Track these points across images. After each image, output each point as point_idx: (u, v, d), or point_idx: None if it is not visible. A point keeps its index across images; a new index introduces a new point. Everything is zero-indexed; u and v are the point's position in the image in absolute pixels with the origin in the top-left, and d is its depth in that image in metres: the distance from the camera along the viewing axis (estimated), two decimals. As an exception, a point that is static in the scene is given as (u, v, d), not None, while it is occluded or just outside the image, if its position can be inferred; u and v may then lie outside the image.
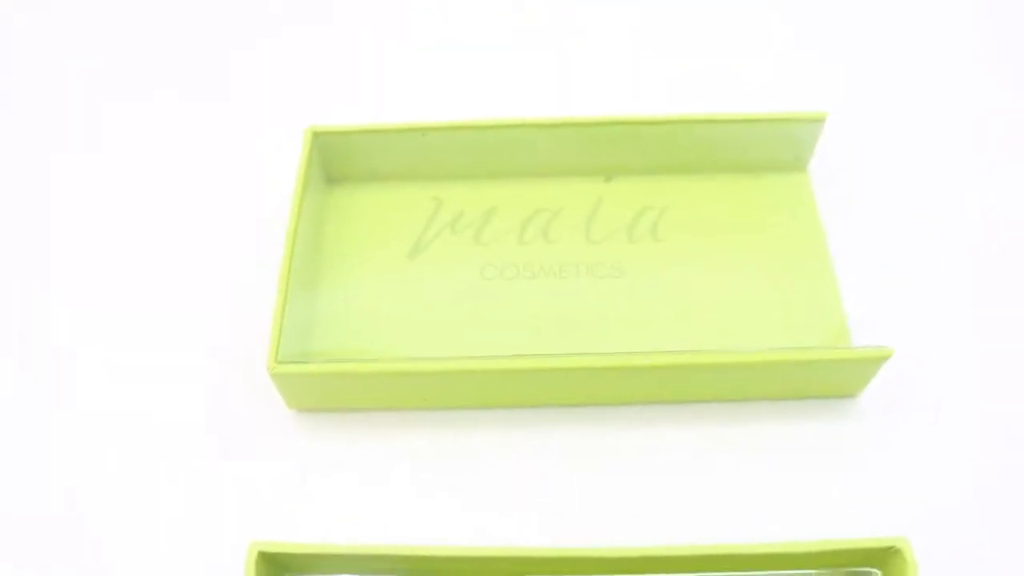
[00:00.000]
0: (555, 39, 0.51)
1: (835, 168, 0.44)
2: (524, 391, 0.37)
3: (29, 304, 0.42)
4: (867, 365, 0.36)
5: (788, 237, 0.41)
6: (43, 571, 0.35)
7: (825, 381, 0.37)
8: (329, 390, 0.37)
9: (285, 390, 0.37)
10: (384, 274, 0.41)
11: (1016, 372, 0.39)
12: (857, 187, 0.44)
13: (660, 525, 0.35)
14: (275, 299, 0.36)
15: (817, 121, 0.41)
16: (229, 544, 0.33)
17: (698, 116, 0.41)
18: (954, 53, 0.50)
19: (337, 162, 0.42)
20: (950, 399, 0.38)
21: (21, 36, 0.53)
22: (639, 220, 0.41)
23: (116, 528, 0.36)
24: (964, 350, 0.39)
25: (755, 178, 0.43)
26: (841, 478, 0.36)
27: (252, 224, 0.43)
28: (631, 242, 0.41)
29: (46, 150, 0.48)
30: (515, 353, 0.36)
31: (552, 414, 0.38)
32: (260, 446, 0.38)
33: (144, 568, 0.35)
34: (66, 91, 0.50)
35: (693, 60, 0.50)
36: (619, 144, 0.41)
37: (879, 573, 0.32)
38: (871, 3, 0.53)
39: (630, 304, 0.39)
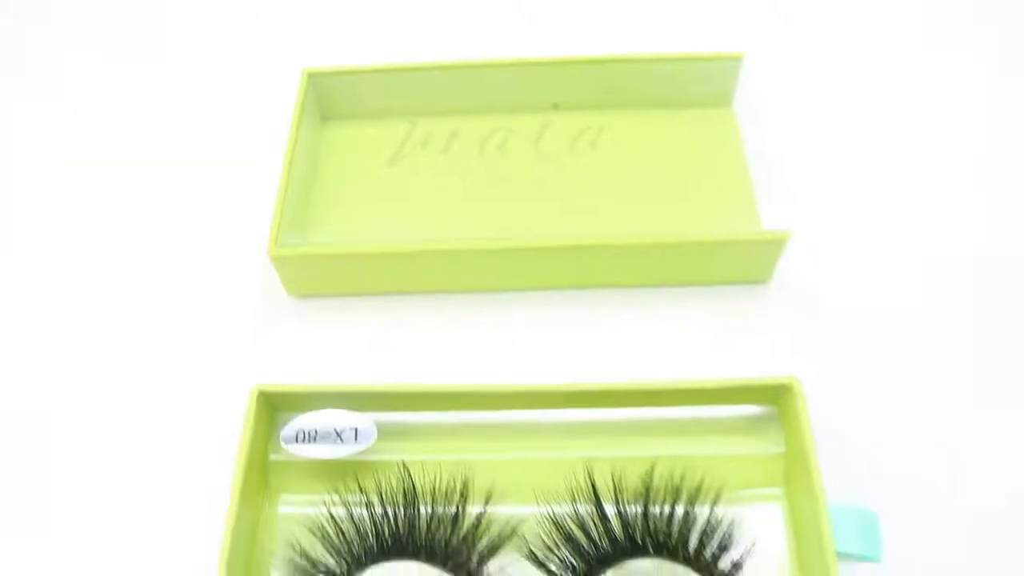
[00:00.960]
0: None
1: (756, 103, 0.52)
2: (487, 272, 0.44)
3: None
4: (771, 247, 0.43)
5: (711, 154, 0.48)
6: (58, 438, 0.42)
7: (737, 266, 0.44)
8: (324, 274, 0.44)
9: (284, 275, 0.44)
10: (368, 178, 0.48)
11: (901, 261, 0.46)
12: (775, 118, 0.52)
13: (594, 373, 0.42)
14: (275, 196, 0.43)
15: (734, 60, 0.48)
16: (232, 392, 0.40)
17: (629, 55, 0.48)
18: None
19: (328, 100, 0.50)
20: (846, 283, 0.45)
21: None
22: (580, 137, 0.49)
23: (126, 378, 0.43)
24: (859, 241, 0.47)
25: (684, 111, 0.50)
26: (752, 344, 0.44)
27: (255, 151, 0.51)
28: (573, 153, 0.48)
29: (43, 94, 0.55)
30: (477, 238, 0.43)
31: (509, 297, 0.45)
32: (261, 327, 0.45)
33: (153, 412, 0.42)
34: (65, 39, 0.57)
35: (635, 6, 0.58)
36: (564, 80, 0.48)
37: (776, 410, 0.39)
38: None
39: (572, 198, 0.47)
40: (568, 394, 0.38)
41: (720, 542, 0.36)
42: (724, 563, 0.36)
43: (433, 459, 0.38)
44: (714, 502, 0.37)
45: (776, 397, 0.39)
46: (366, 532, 0.36)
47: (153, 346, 0.44)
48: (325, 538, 0.36)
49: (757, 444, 0.39)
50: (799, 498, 0.37)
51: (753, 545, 0.36)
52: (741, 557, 0.36)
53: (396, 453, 0.38)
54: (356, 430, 0.39)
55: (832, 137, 0.51)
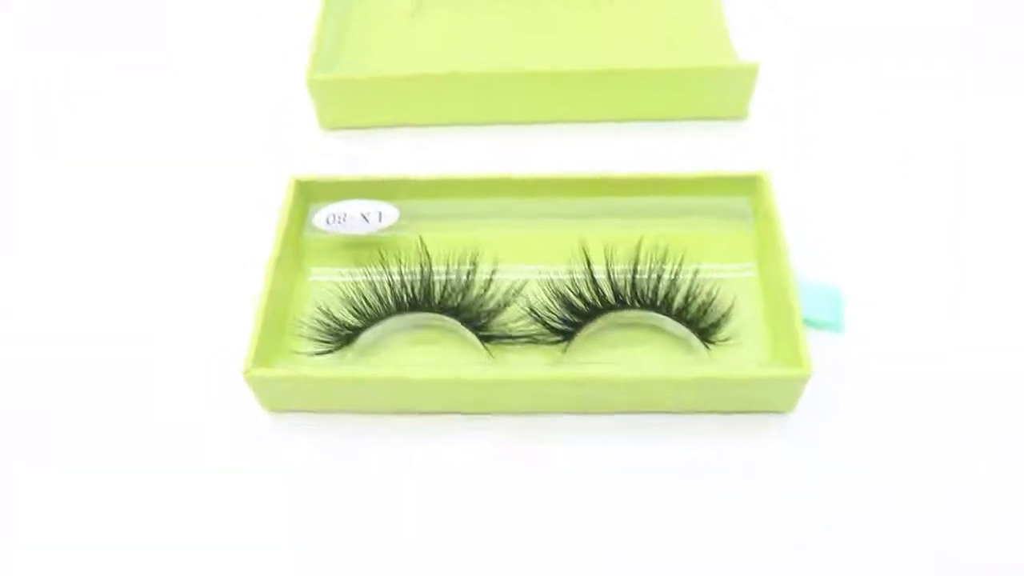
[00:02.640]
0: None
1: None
2: (498, 101, 0.49)
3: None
4: (743, 77, 0.48)
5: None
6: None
7: (714, 101, 0.49)
8: (356, 103, 0.49)
9: (320, 104, 0.49)
10: (393, 22, 0.54)
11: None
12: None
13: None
14: (314, 27, 0.49)
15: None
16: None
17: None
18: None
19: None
20: (819, 113, 0.50)
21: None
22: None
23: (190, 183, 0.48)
24: (831, 73, 0.52)
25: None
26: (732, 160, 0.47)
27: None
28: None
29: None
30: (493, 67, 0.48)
31: (518, 129, 0.50)
32: (295, 156, 0.50)
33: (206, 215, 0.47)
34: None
35: None
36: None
37: (749, 200, 0.44)
38: None
39: (575, 41, 0.52)
40: (564, 181, 0.43)
41: (703, 301, 0.40)
42: (708, 319, 0.40)
43: (448, 236, 0.43)
44: (696, 270, 0.41)
45: (750, 188, 0.43)
46: (386, 294, 0.41)
47: (206, 164, 0.50)
48: (348, 300, 0.41)
49: (733, 226, 0.43)
50: (769, 271, 0.41)
51: (732, 306, 0.41)
52: (725, 312, 0.40)
53: (415, 232, 0.43)
54: (380, 213, 0.43)
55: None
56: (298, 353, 0.40)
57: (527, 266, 0.42)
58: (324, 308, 0.41)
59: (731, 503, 0.37)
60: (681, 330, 0.40)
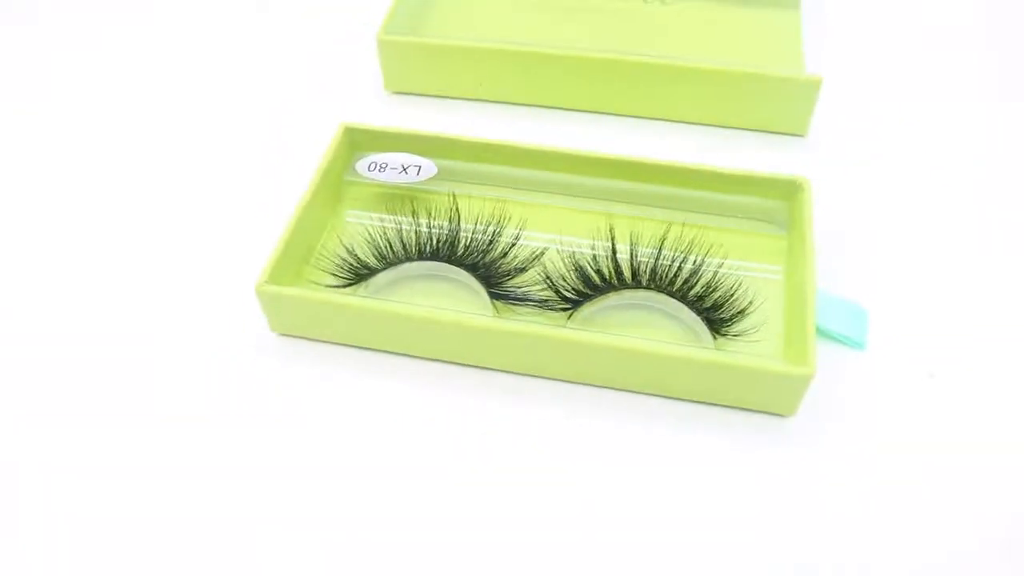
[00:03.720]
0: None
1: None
2: (555, 85, 0.49)
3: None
4: (804, 90, 0.46)
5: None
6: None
7: (773, 113, 0.48)
8: (422, 69, 0.50)
9: (387, 66, 0.50)
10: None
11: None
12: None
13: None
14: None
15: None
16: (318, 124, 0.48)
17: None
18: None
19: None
20: (881, 139, 0.49)
21: None
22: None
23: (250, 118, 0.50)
24: (897, 99, 0.51)
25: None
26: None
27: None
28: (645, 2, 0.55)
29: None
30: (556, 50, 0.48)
31: (573, 116, 0.51)
32: (357, 116, 0.51)
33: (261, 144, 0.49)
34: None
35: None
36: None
37: (785, 205, 0.42)
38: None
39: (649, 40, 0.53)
40: (598, 160, 0.43)
41: (722, 294, 0.39)
42: (724, 311, 0.39)
43: (481, 198, 0.44)
44: (720, 264, 0.40)
45: (788, 192, 0.42)
46: (410, 242, 0.41)
47: (271, 110, 0.52)
48: (373, 243, 0.42)
49: (768, 229, 0.42)
50: (794, 276, 0.39)
51: (751, 303, 0.40)
52: (743, 308, 0.39)
53: (451, 190, 0.44)
54: (420, 167, 0.44)
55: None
56: (315, 283, 0.41)
57: (553, 235, 0.42)
58: (349, 247, 0.42)
59: (715, 498, 0.35)
60: (693, 319, 0.39)
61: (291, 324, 0.40)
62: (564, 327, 0.38)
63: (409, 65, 0.50)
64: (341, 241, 0.43)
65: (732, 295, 0.39)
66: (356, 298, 0.39)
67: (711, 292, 0.39)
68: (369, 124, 0.45)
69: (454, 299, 0.41)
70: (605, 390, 0.38)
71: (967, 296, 0.42)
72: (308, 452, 0.37)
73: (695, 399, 0.38)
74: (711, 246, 0.41)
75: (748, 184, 0.42)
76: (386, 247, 0.41)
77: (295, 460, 0.37)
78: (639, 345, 0.36)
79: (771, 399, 0.37)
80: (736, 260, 0.41)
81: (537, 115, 0.51)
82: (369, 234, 0.43)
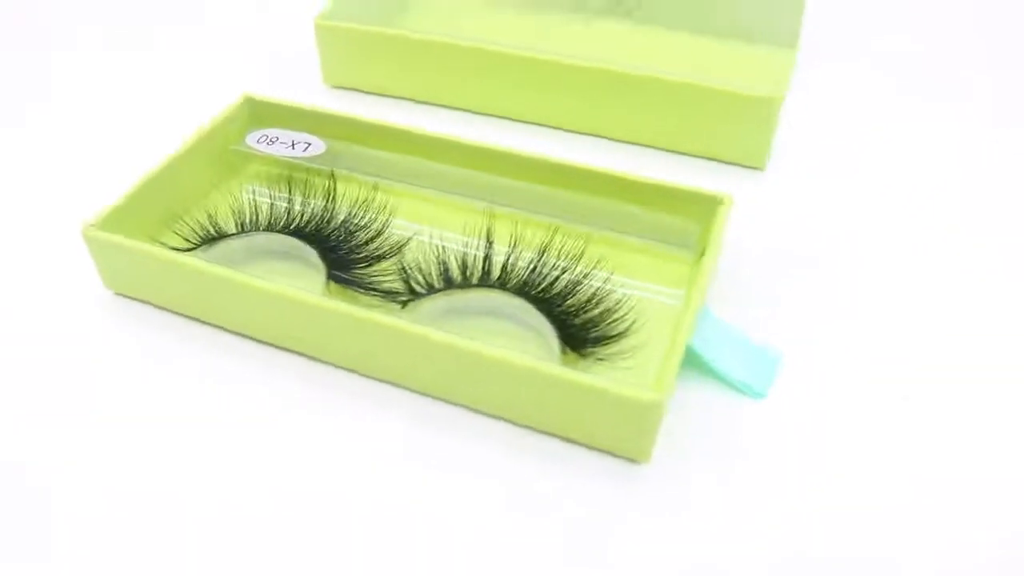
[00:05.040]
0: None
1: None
2: (509, 92, 0.45)
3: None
4: (761, 111, 0.40)
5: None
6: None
7: (729, 138, 0.41)
8: (360, 59, 0.46)
9: (325, 55, 0.47)
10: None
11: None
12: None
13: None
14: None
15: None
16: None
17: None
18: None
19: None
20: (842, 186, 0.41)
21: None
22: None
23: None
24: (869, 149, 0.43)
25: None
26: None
27: None
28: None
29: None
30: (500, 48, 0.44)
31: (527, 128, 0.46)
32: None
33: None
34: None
35: None
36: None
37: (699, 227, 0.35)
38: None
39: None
40: (497, 155, 0.37)
41: (599, 312, 0.33)
42: (593, 331, 0.32)
43: (373, 182, 0.39)
44: (606, 279, 0.34)
45: (707, 211, 0.35)
46: (276, 216, 0.37)
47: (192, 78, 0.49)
48: (237, 212, 0.37)
49: (678, 249, 0.35)
50: (689, 302, 0.32)
51: (631, 325, 0.33)
52: (623, 330, 0.32)
53: (349, 172, 0.39)
54: (308, 144, 0.40)
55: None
56: (162, 244, 0.36)
57: (433, 229, 0.37)
58: (212, 214, 0.38)
59: (518, 546, 0.28)
60: (550, 332, 0.32)
61: (124, 282, 0.36)
62: (389, 316, 0.32)
63: (350, 56, 0.47)
64: (207, 210, 0.38)
65: (610, 315, 0.33)
66: (175, 253, 0.34)
67: (585, 309, 0.33)
68: (267, 97, 0.41)
69: (297, 280, 0.35)
70: (439, 403, 0.32)
71: (901, 351, 0.34)
72: (120, 422, 0.32)
73: (537, 427, 0.31)
74: (602, 260, 0.35)
75: (661, 196, 0.36)
76: (249, 218, 0.37)
77: (107, 429, 0.32)
78: (453, 340, 0.29)
79: (620, 436, 0.29)
80: (635, 280, 0.35)
81: (481, 125, 0.46)
82: (237, 204, 0.39)
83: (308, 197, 0.38)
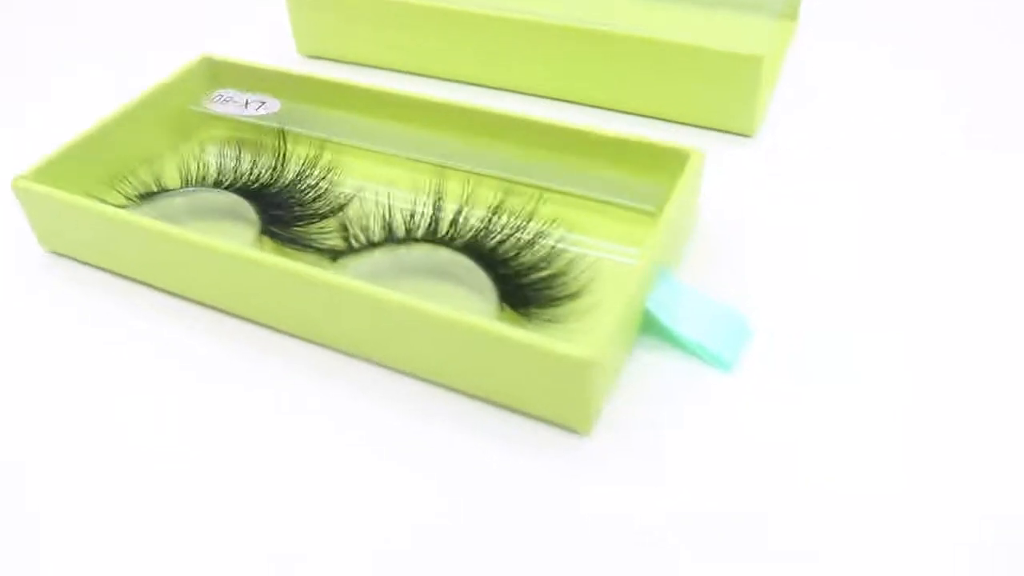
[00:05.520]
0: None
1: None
2: (485, 58, 0.42)
3: None
4: (744, 70, 0.36)
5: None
6: None
7: (714, 102, 0.38)
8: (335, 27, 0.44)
9: (296, 21, 0.44)
10: None
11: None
12: None
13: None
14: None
15: None
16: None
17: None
18: None
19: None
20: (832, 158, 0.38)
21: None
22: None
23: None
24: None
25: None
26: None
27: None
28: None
29: None
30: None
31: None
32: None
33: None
34: None
35: None
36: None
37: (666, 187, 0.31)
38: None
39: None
40: (471, 113, 0.35)
41: (551, 273, 0.30)
42: (540, 292, 0.29)
43: (334, 141, 0.36)
44: (560, 239, 0.31)
45: (674, 167, 0.31)
46: (221, 173, 0.35)
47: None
48: (183, 168, 0.35)
49: (641, 207, 0.32)
50: (645, 261, 0.28)
51: (584, 286, 0.30)
52: (574, 292, 0.29)
53: (303, 132, 0.37)
54: (263, 103, 0.38)
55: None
56: (103, 201, 0.34)
57: (385, 188, 0.34)
58: (157, 172, 0.36)
59: (448, 522, 0.24)
60: (491, 290, 0.29)
61: (59, 239, 0.34)
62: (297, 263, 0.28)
63: (323, 24, 0.44)
64: (154, 170, 0.36)
65: (562, 276, 0.30)
66: (101, 204, 0.32)
67: (536, 269, 0.30)
68: (227, 57, 0.39)
69: (235, 238, 0.32)
70: (375, 367, 0.29)
71: (881, 332, 0.30)
72: (51, 385, 0.29)
73: (474, 393, 0.27)
74: (562, 220, 0.31)
75: (627, 152, 0.32)
76: (198, 176, 0.35)
77: (38, 393, 0.29)
78: (361, 287, 0.26)
79: (556, 403, 0.26)
80: (596, 240, 0.32)
81: (462, 94, 0.43)
82: (186, 163, 0.36)
83: (260, 157, 0.36)
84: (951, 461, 0.25)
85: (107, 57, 0.48)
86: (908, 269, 0.32)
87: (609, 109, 0.41)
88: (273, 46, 0.47)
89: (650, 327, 0.29)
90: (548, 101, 0.42)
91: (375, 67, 0.45)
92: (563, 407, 0.26)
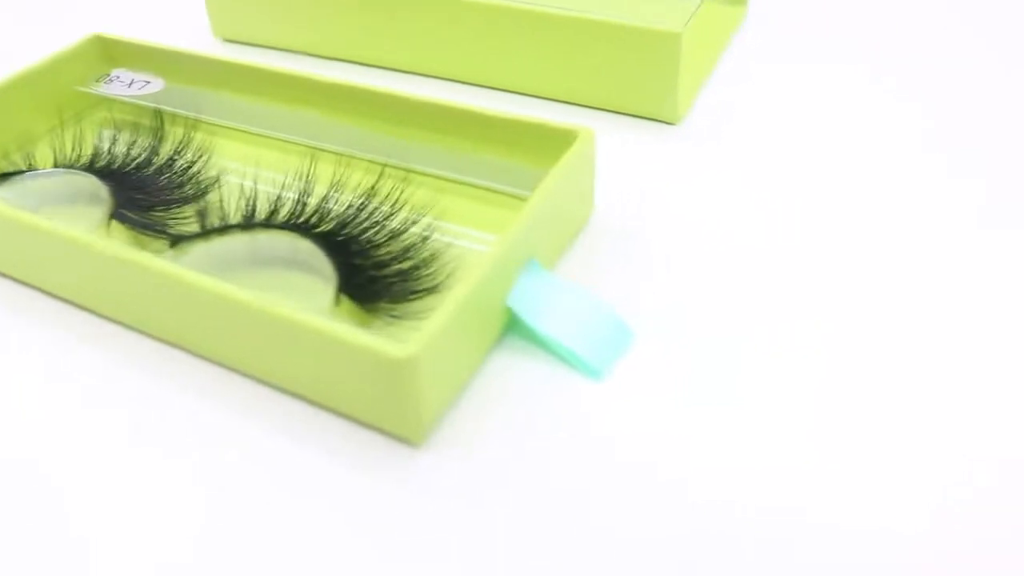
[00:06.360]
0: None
1: None
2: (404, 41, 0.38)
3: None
4: (662, 47, 0.32)
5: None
6: None
7: (634, 85, 0.34)
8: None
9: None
10: None
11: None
12: None
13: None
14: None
15: None
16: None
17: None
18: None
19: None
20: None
21: None
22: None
23: None
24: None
25: None
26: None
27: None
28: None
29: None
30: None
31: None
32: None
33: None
34: None
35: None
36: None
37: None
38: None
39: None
40: (346, 90, 0.32)
41: (409, 267, 0.26)
42: (399, 287, 0.26)
43: (198, 119, 0.34)
44: (428, 228, 0.27)
45: (561, 149, 0.28)
46: (95, 154, 0.32)
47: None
48: (56, 149, 0.32)
49: (520, 194, 0.29)
50: (503, 250, 0.24)
51: (441, 282, 0.26)
52: (433, 286, 0.26)
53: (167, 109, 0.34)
54: (147, 83, 0.35)
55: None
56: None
57: (253, 170, 0.31)
58: (30, 152, 0.33)
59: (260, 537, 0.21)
60: (333, 280, 0.25)
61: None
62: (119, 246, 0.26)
63: (237, 6, 0.41)
64: (28, 150, 0.33)
65: (419, 268, 0.26)
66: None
67: (395, 260, 0.26)
68: (123, 36, 0.37)
69: (84, 222, 0.29)
70: (207, 364, 0.25)
71: (782, 349, 0.26)
72: None
73: (305, 395, 0.24)
74: (433, 206, 0.28)
75: (513, 132, 0.29)
76: (71, 157, 0.32)
77: None
78: (182, 277, 0.23)
79: (385, 411, 0.22)
80: (468, 229, 0.28)
81: (379, 79, 0.39)
82: (60, 144, 0.33)
83: (137, 139, 0.33)
84: (834, 494, 0.22)
85: (9, 36, 0.46)
86: (818, 283, 0.28)
87: (526, 94, 0.37)
88: (188, 29, 0.44)
89: (516, 326, 0.26)
90: (463, 86, 0.38)
91: (293, 51, 0.42)
92: (391, 414, 0.22)
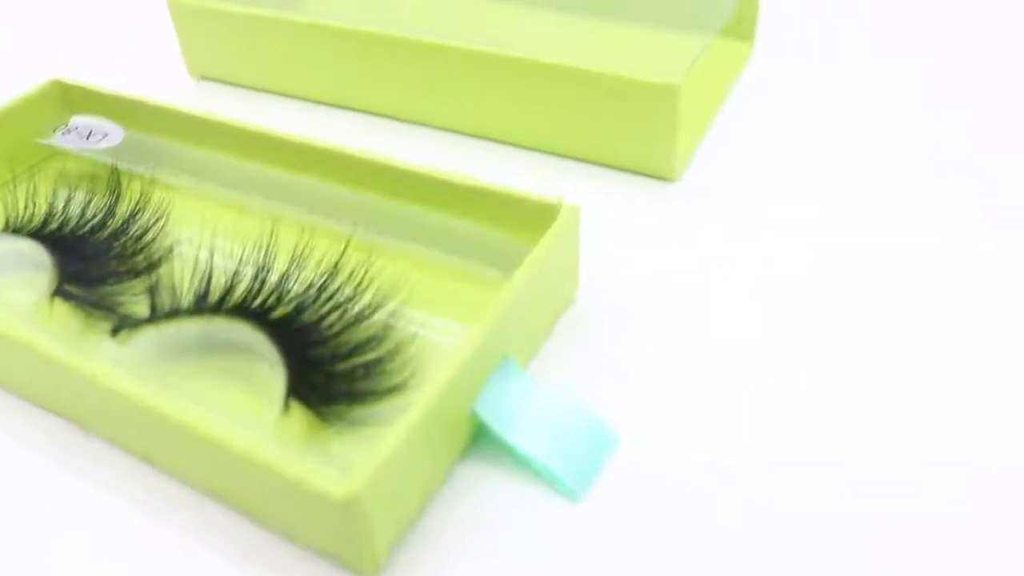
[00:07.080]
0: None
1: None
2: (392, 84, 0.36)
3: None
4: (660, 100, 0.29)
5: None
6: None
7: (631, 140, 0.31)
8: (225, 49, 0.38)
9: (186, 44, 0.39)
10: None
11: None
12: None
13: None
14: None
15: None
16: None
17: None
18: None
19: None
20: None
21: None
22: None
23: None
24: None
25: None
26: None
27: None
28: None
29: None
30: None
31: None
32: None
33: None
34: None
35: None
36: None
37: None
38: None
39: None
40: (310, 151, 0.29)
41: (367, 362, 0.23)
42: (353, 387, 0.23)
43: (147, 176, 0.31)
44: (392, 312, 0.25)
45: (542, 223, 0.25)
46: (38, 215, 0.29)
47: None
48: (13, 207, 0.30)
49: (496, 275, 0.26)
50: (475, 348, 0.22)
51: (406, 380, 0.23)
52: (397, 384, 0.23)
53: (145, 170, 0.31)
54: (106, 134, 0.32)
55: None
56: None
57: (210, 239, 0.28)
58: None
59: None
60: (281, 385, 0.23)
61: None
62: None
63: (214, 43, 0.39)
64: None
65: (381, 363, 0.23)
66: None
67: (354, 353, 0.24)
68: (84, 82, 0.34)
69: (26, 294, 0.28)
70: (158, 473, 0.23)
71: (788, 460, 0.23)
72: None
73: (251, 516, 0.21)
74: (402, 285, 0.25)
75: (493, 203, 0.26)
76: (21, 217, 0.29)
77: None
78: (110, 382, 0.21)
79: (333, 543, 0.20)
80: (437, 316, 0.25)
81: (362, 124, 0.37)
82: (13, 202, 0.31)
83: (92, 198, 0.30)
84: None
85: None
86: (833, 376, 0.24)
87: (516, 145, 0.34)
88: (163, 69, 0.42)
89: (485, 434, 0.23)
90: (449, 134, 0.35)
91: (269, 92, 0.39)
92: (338, 548, 0.20)
